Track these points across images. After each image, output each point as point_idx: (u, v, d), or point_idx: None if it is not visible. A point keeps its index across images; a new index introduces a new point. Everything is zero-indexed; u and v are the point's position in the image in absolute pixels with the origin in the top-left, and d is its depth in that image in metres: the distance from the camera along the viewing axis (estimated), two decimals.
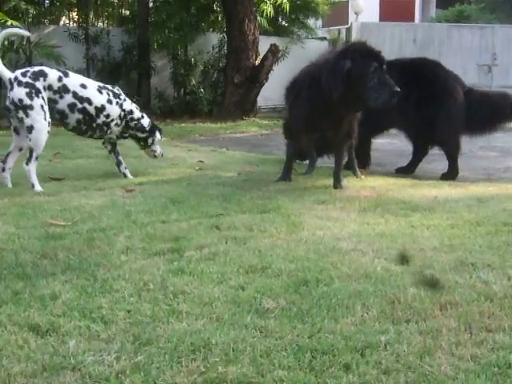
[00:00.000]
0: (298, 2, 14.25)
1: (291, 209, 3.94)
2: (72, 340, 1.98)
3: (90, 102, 4.89)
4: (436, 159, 7.20)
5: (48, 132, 4.68)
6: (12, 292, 2.42)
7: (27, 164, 4.65)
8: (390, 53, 13.22)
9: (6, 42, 11.94)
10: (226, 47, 13.21)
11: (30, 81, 4.58)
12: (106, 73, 12.90)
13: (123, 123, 5.21)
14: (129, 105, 5.27)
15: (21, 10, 12.18)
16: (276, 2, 12.64)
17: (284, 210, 3.88)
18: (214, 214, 3.77)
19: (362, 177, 5.48)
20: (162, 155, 5.79)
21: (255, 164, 6.31)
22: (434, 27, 14.05)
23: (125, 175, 5.32)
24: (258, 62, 12.25)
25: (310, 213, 3.81)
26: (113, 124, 5.11)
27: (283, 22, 14.62)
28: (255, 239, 3.13)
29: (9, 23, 11.50)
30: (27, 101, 4.54)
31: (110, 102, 5.03)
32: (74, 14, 14.18)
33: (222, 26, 13.47)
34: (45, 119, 4.61)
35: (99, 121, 4.99)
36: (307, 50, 14.17)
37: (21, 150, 4.88)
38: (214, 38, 14.12)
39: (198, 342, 1.91)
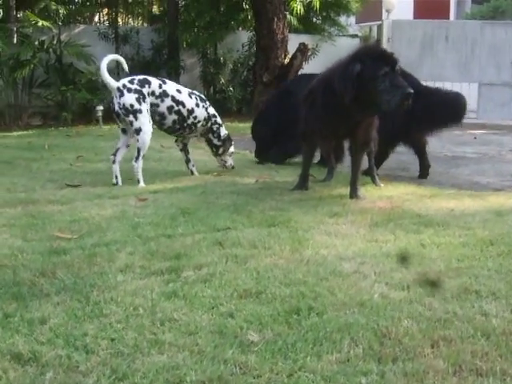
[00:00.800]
0: (329, 0, 14.06)
1: (301, 222, 3.86)
2: (50, 371, 1.95)
3: (183, 104, 5.48)
4: (462, 164, 7.04)
5: (151, 133, 5.24)
6: (3, 314, 2.41)
7: (136, 161, 5.20)
8: (421, 51, 13.19)
9: (36, 42, 12.14)
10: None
11: (137, 87, 5.16)
12: (136, 72, 12.90)
13: (208, 125, 5.79)
14: (213, 110, 5.87)
15: (51, 11, 12.26)
16: (306, 0, 12.46)
17: (293, 224, 3.81)
18: (221, 228, 3.71)
19: (382, 185, 5.36)
20: (233, 167, 6.09)
21: (274, 170, 6.22)
22: (467, 24, 13.68)
23: (192, 172, 5.87)
24: (287, 60, 12.13)
25: (319, 227, 3.73)
26: (199, 125, 5.69)
27: (314, 20, 14.43)
28: (256, 258, 3.06)
29: (39, 24, 11.68)
30: (137, 105, 5.08)
31: (197, 105, 5.63)
32: (104, 13, 14.25)
33: (252, 25, 13.37)
34: (149, 122, 5.19)
35: (189, 121, 5.57)
36: (338, 47, 13.96)
37: (127, 146, 5.44)
38: (243, 37, 14.07)
39: (173, 378, 1.86)
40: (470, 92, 12.76)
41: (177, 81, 13.73)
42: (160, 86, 5.36)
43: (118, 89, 5.15)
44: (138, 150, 5.21)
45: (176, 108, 5.44)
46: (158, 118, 5.42)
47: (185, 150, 5.92)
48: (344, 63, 4.39)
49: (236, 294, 2.56)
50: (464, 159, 7.49)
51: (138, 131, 5.16)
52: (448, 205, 4.50)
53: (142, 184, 5.21)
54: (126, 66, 5.66)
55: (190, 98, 5.59)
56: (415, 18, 15.54)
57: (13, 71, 11.67)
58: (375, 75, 4.22)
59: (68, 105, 12.23)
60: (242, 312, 2.36)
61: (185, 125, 5.58)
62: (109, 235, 3.58)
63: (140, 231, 3.67)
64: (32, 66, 11.84)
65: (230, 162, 6.09)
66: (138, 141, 5.20)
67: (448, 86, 12.80)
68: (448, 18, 16.63)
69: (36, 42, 12.15)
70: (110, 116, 12.30)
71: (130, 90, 5.13)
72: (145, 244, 3.37)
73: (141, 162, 5.23)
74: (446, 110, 5.58)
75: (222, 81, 13.54)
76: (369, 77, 4.22)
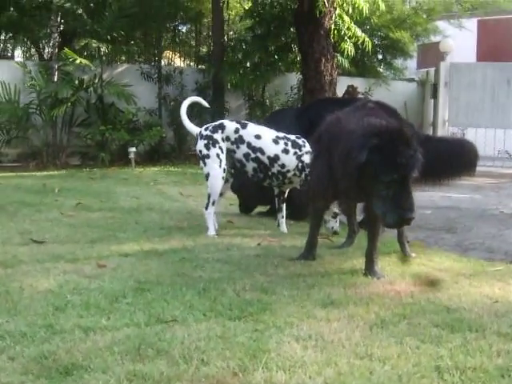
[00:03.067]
0: (385, 42, 13.12)
1: (279, 315, 2.84)
2: None
3: (262, 151, 4.98)
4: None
5: (223, 178, 4.94)
6: None
7: (206, 209, 4.94)
8: (482, 95, 11.96)
9: (76, 82, 11.74)
10: None
11: (209, 133, 4.98)
12: (178, 113, 12.32)
13: (302, 176, 5.04)
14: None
15: (92, 48, 11.88)
16: (358, 41, 11.56)
17: (266, 318, 2.79)
18: (164, 320, 2.75)
19: (413, 254, 4.28)
20: (336, 233, 5.05)
21: (289, 229, 5.21)
22: None
23: (278, 225, 5.21)
24: None
25: (298, 326, 2.69)
26: (289, 175, 5.03)
27: (368, 63, 13.50)
28: None
29: (78, 61, 11.27)
30: (205, 151, 4.94)
31: (286, 151, 4.99)
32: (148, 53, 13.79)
33: (300, 66, 12.57)
34: (220, 167, 4.90)
35: (274, 170, 5.01)
36: (393, 91, 13.04)
37: (221, 195, 5.21)
38: (293, 79, 13.29)
39: None
40: None
41: None
42: (236, 131, 5.01)
43: (196, 136, 5.08)
44: (208, 197, 4.96)
45: (253, 155, 4.99)
46: (238, 165, 5.10)
47: (279, 197, 5.24)
48: (352, 140, 3.36)
49: None
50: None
51: (207, 176, 4.96)
52: (491, 291, 3.37)
53: (211, 232, 4.86)
54: (204, 103, 5.68)
55: (276, 143, 5.02)
56: (478, 61, 14.34)
57: (51, 109, 11.30)
58: (380, 178, 3.23)
59: (107, 145, 11.72)
60: None
61: (269, 173, 5.02)
62: (11, 322, 2.66)
63: (56, 317, 2.75)
64: (70, 104, 11.46)
65: (332, 224, 5.07)
66: (207, 187, 4.98)
67: (510, 133, 11.59)
68: None
69: (76, 81, 11.75)
70: (145, 158, 12.09)
71: (202, 137, 5.00)
72: (42, 343, 2.43)
73: (211, 208, 4.92)
74: (458, 158, 4.90)
75: None
76: (373, 174, 3.26)
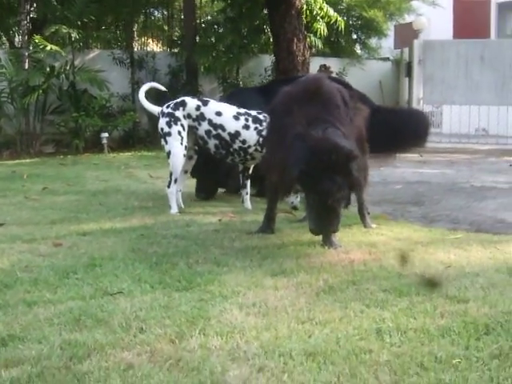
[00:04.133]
0: (359, 21, 13.06)
1: (227, 284, 2.83)
2: None
3: (223, 128, 4.93)
4: (489, 196, 5.87)
5: (184, 155, 4.89)
6: None
7: (168, 187, 4.91)
8: (456, 72, 11.96)
9: (48, 69, 11.59)
10: None
11: (170, 111, 4.92)
12: (152, 97, 12.19)
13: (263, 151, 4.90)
14: None
15: (62, 34, 11.71)
16: (330, 21, 11.49)
17: (214, 287, 2.77)
18: (112, 291, 2.71)
19: (373, 226, 4.27)
20: (295, 208, 4.91)
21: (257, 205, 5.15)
22: (504, 44, 12.40)
23: (243, 201, 5.16)
24: None
25: (245, 294, 2.68)
26: (251, 150, 4.97)
27: (342, 43, 13.44)
28: (105, 353, 2.04)
29: (48, 48, 11.11)
30: (166, 129, 4.89)
31: (246, 127, 4.95)
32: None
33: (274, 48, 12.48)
34: (181, 144, 4.86)
35: (235, 146, 4.95)
36: (368, 71, 13.04)
37: (186, 172, 5.22)
38: (266, 60, 13.19)
39: None
40: (507, 116, 11.52)
41: None
42: (198, 108, 4.97)
43: (158, 115, 5.04)
44: (170, 175, 4.92)
45: (214, 132, 4.96)
46: (201, 142, 5.05)
47: (243, 174, 5.19)
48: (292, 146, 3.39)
49: None
50: (493, 190, 6.29)
51: (169, 154, 4.91)
52: (446, 257, 3.38)
53: (173, 210, 4.84)
54: (161, 87, 5.78)
55: (237, 119, 4.98)
56: (454, 38, 14.33)
57: (23, 97, 11.14)
58: (307, 195, 3.46)
59: (81, 132, 11.60)
60: None
61: (231, 150, 4.98)
62: None
63: (3, 294, 2.73)
64: (42, 92, 11.29)
65: (292, 199, 4.87)
66: (169, 165, 4.93)
67: (484, 109, 11.61)
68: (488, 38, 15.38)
69: (47, 68, 11.59)
70: (119, 144, 12.00)
71: (163, 115, 4.95)
72: None
73: (173, 187, 4.89)
74: (408, 130, 4.85)
75: None
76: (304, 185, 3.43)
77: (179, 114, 4.94)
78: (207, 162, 5.42)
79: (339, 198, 3.33)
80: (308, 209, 3.50)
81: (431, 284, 2.62)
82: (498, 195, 6.01)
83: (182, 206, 5.07)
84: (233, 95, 6.19)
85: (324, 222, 3.39)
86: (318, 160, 3.24)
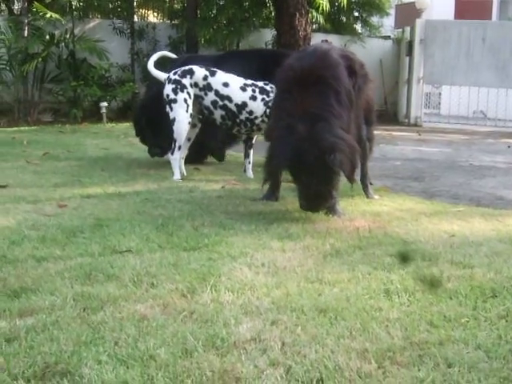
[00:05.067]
0: None
1: (234, 245, 2.85)
2: None
3: (230, 99, 4.92)
4: (488, 174, 5.91)
5: (189, 123, 4.88)
6: None
7: (172, 154, 4.91)
8: (457, 53, 11.93)
9: (47, 37, 11.49)
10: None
11: (177, 78, 4.91)
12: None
13: None
14: None
15: (63, 2, 11.59)
16: None
17: (221, 248, 2.80)
18: (121, 250, 2.73)
19: (376, 197, 4.30)
20: None
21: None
22: (506, 25, 12.34)
23: (245, 170, 5.22)
24: None
25: (253, 255, 2.70)
26: (257, 121, 4.98)
27: (343, 20, 13.36)
28: (118, 304, 2.07)
29: (48, 15, 10.99)
30: (172, 95, 4.88)
31: (253, 98, 4.94)
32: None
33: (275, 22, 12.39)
34: (186, 112, 4.85)
35: (242, 117, 4.95)
36: (369, 49, 12.93)
37: (189, 139, 5.16)
38: (267, 35, 13.11)
39: None
40: (507, 98, 11.52)
41: None
42: (205, 78, 4.94)
43: (164, 81, 5.00)
44: (174, 142, 4.90)
45: (221, 103, 4.93)
46: (206, 112, 5.01)
47: (247, 143, 5.23)
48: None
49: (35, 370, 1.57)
50: (492, 169, 6.33)
51: (173, 121, 4.88)
52: (450, 228, 3.40)
53: (176, 177, 4.87)
54: (173, 55, 5.89)
55: (244, 90, 4.95)
56: (456, 19, 14.26)
57: (22, 65, 11.05)
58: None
59: (79, 101, 11.53)
60: None
61: (237, 121, 4.97)
62: None
63: (11, 250, 2.73)
64: (41, 60, 11.19)
65: None
66: (173, 131, 4.89)
67: (484, 91, 11.61)
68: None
69: (47, 36, 11.48)
70: (117, 114, 11.95)
71: (170, 81, 4.92)
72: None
73: (177, 153, 4.89)
74: None
75: None
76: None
77: (186, 81, 4.91)
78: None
79: (321, 188, 3.40)
80: (297, 189, 3.57)
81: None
82: (497, 174, 6.05)
83: (185, 172, 5.09)
84: (188, 61, 6.13)
85: (312, 202, 3.47)
86: (298, 159, 3.34)
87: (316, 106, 3.40)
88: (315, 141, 3.29)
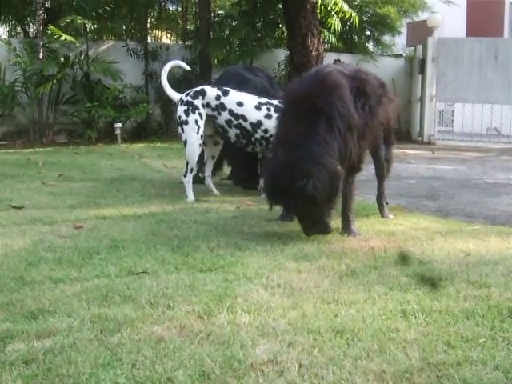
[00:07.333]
0: (373, 18, 13.04)
1: (250, 266, 2.85)
2: None
3: (244, 118, 4.95)
4: (504, 192, 5.88)
5: (200, 145, 4.94)
6: None
7: (185, 176, 4.98)
8: (469, 70, 11.93)
9: (62, 59, 11.65)
10: None
11: (189, 99, 4.95)
12: (161, 90, 12.25)
13: None
14: None
15: (78, 25, 11.75)
16: (344, 17, 11.49)
17: (237, 269, 2.80)
18: (136, 271, 2.74)
19: (391, 216, 4.30)
20: None
21: None
22: None
23: (260, 190, 5.09)
24: None
25: (268, 276, 2.70)
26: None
27: (355, 39, 13.43)
28: (135, 326, 2.08)
29: (63, 38, 11.16)
30: (184, 117, 4.93)
31: (268, 117, 4.95)
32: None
33: (288, 42, 12.48)
34: (197, 134, 4.89)
35: (257, 135, 4.97)
36: (381, 67, 12.93)
37: (213, 157, 5.33)
38: (280, 55, 13.20)
39: None
40: None
41: None
42: (218, 98, 4.97)
43: (177, 102, 5.07)
44: (187, 164, 5.00)
45: (235, 122, 4.97)
46: (220, 131, 5.06)
47: (261, 163, 5.26)
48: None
49: None
50: (507, 187, 6.30)
51: (185, 143, 4.95)
52: (465, 246, 3.39)
53: (190, 199, 4.91)
54: (186, 66, 5.94)
55: (259, 109, 4.98)
56: (467, 36, 14.28)
57: (37, 87, 11.20)
58: None
59: (93, 122, 11.65)
60: None
61: (252, 139, 5.01)
62: None
63: (28, 271, 2.76)
64: (56, 81, 11.34)
65: None
66: (186, 154, 4.98)
67: (497, 108, 11.58)
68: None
69: (62, 58, 11.64)
70: (131, 135, 12.05)
71: (182, 103, 4.98)
72: (11, 293, 2.43)
73: (190, 176, 4.95)
74: None
75: None
76: None
77: (198, 102, 4.95)
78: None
79: (304, 210, 3.43)
80: None
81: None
82: (509, 191, 6.02)
83: (215, 191, 5.25)
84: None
85: (302, 226, 3.54)
86: (276, 185, 3.42)
87: (299, 133, 3.43)
88: (290, 166, 3.35)
